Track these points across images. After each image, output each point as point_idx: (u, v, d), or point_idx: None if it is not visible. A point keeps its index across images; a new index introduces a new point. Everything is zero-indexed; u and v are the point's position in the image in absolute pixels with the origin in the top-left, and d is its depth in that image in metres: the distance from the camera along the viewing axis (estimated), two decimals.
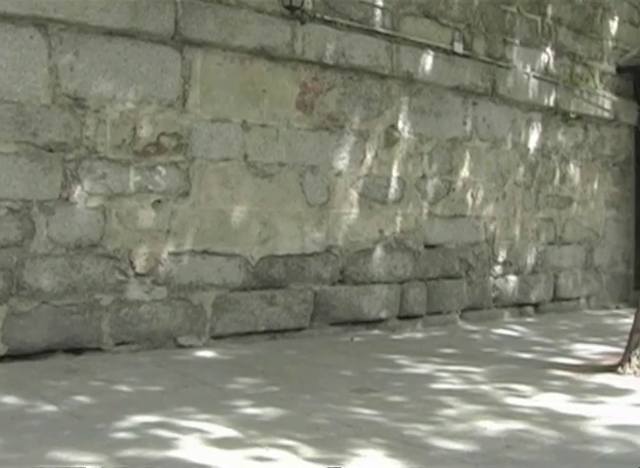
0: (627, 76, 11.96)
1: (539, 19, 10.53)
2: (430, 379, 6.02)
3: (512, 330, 8.98)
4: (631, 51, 12.05)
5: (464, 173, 9.39)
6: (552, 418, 4.89)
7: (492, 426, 4.66)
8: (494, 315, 9.73)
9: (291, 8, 7.51)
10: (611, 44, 11.82)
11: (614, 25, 11.90)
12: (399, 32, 8.60)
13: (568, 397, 5.50)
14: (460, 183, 9.32)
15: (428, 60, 8.86)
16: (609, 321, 10.07)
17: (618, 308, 11.38)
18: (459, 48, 9.22)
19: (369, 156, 8.36)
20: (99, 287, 6.52)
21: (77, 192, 6.38)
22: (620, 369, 6.33)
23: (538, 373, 6.34)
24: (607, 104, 11.57)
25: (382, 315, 8.48)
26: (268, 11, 7.47)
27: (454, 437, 4.42)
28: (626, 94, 11.95)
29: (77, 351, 6.40)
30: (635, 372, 6.23)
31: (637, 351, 6.31)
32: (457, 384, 5.88)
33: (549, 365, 6.75)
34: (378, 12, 8.42)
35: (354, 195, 8.25)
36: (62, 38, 6.28)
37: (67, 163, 6.32)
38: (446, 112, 9.13)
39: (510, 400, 5.39)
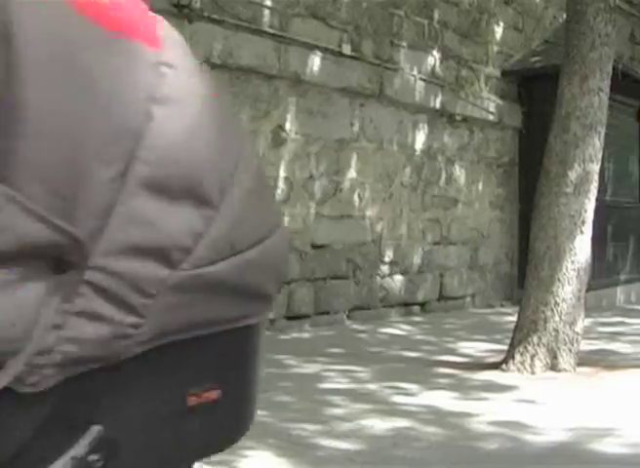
0: (512, 80, 12.26)
1: (426, 22, 10.67)
2: (318, 379, 6.02)
3: (399, 329, 9.07)
4: (515, 55, 12.36)
5: (351, 173, 9.44)
6: (438, 416, 4.94)
7: (379, 424, 4.68)
8: (381, 314, 9.81)
9: (179, 6, 7.41)
10: (496, 48, 12.08)
11: (499, 30, 12.16)
12: (287, 33, 8.59)
13: (453, 394, 5.57)
14: (347, 184, 9.37)
15: (316, 61, 8.87)
16: (494, 319, 10.28)
17: (502, 306, 11.63)
18: (347, 49, 9.26)
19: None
20: None
21: None
22: (504, 366, 6.45)
23: (424, 372, 6.41)
24: (492, 107, 11.82)
25: (270, 315, 8.44)
26: (156, 8, 7.32)
27: (341, 436, 4.42)
28: (511, 97, 12.23)
29: None
30: (519, 369, 6.36)
31: (520, 348, 6.45)
32: (344, 383, 5.89)
33: (435, 363, 6.83)
34: (266, 12, 8.39)
35: None
36: None
37: None
38: (333, 113, 9.15)
39: (397, 398, 5.43)
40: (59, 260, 0.69)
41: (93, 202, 0.70)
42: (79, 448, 0.73)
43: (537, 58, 12.26)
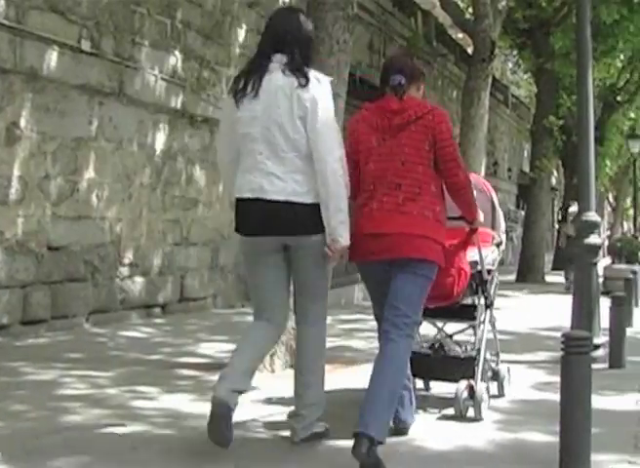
0: None
1: (168, 21, 10.60)
2: (55, 386, 5.83)
3: (140, 331, 8.96)
4: None
5: (90, 173, 9.20)
6: (177, 418, 4.93)
7: (118, 429, 4.60)
8: (121, 317, 9.64)
9: None
10: (238, 51, 12.20)
11: (242, 33, 12.31)
12: (24, 26, 8.22)
13: (192, 396, 5.58)
14: (84, 184, 9.12)
15: (54, 57, 8.58)
16: (235, 319, 10.37)
17: (243, 306, 11.76)
18: (86, 46, 9.02)
19: None
20: None
21: None
22: None
23: (164, 374, 6.37)
24: None
25: (4, 321, 8.06)
26: None
27: (78, 444, 4.30)
28: None
29: None
30: (259, 368, 6.44)
31: None
32: (82, 389, 5.74)
33: (176, 365, 6.81)
34: (1, 3, 7.99)
35: None
36: None
37: None
38: (71, 111, 8.89)
39: (136, 402, 5.36)
40: None
41: None
42: None
43: None
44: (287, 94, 4.10)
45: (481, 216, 4.78)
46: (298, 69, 4.13)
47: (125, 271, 9.84)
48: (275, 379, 6.19)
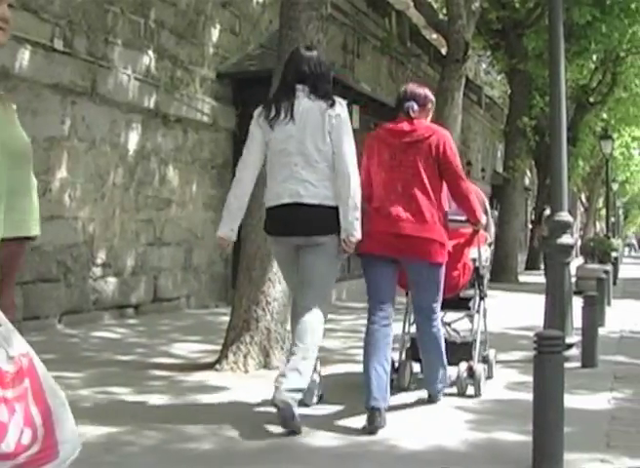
0: (227, 82, 12.41)
1: (142, 21, 10.56)
2: None
3: (113, 332, 8.91)
4: (231, 58, 12.52)
5: (62, 173, 9.14)
6: (151, 419, 4.90)
7: (91, 431, 4.57)
8: (94, 318, 9.59)
9: None
10: (212, 50, 12.18)
11: (215, 33, 12.28)
12: None
13: (166, 397, 5.56)
14: (57, 184, 9.06)
15: (26, 56, 8.51)
16: (208, 319, 10.36)
17: (217, 307, 11.75)
18: (59, 44, 8.96)
19: None
20: None
21: None
22: (217, 366, 6.52)
23: (137, 375, 6.34)
24: (206, 109, 11.92)
25: None
26: None
27: None
28: (226, 99, 12.39)
29: None
30: (232, 368, 6.44)
31: (233, 348, 6.54)
32: None
33: (149, 365, 6.78)
34: None
35: None
36: None
37: None
38: (44, 110, 8.83)
39: (109, 404, 5.34)
40: None
41: None
42: None
43: (252, 62, 12.51)
44: (318, 114, 4.92)
45: (483, 219, 5.58)
46: (324, 95, 4.99)
47: (98, 271, 9.79)
48: (248, 380, 6.18)
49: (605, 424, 5.09)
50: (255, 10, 13.21)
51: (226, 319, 7.10)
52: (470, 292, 6.02)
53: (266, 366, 6.54)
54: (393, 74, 18.96)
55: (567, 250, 7.42)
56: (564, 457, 3.97)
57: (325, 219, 4.87)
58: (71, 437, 2.37)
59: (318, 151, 4.89)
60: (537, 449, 3.99)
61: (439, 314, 5.35)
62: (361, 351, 5.05)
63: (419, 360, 5.64)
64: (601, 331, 8.25)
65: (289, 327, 6.72)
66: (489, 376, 6.24)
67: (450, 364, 5.59)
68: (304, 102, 4.97)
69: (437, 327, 5.29)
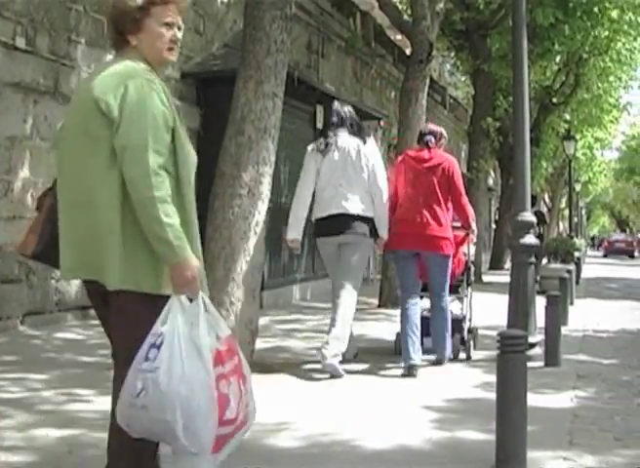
0: (191, 82, 12.32)
1: (105, 19, 10.46)
2: None
3: (76, 333, 8.82)
4: (195, 58, 12.45)
5: (24, 173, 9.04)
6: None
7: (53, 433, 4.53)
8: (57, 319, 9.49)
9: None
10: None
11: (179, 32, 12.18)
12: None
13: None
14: (19, 184, 8.95)
15: None
16: None
17: None
18: (21, 43, 8.85)
19: None
20: None
21: None
22: None
23: (100, 376, 6.26)
24: None
25: None
26: None
27: (12, 448, 4.22)
28: (190, 99, 12.31)
29: None
30: None
31: None
32: (16, 392, 5.64)
33: (112, 367, 6.70)
34: None
35: None
36: None
37: None
38: (5, 109, 8.72)
39: (72, 405, 5.29)
40: None
41: None
42: None
43: (216, 62, 12.44)
44: (355, 148, 6.79)
45: (474, 225, 7.26)
46: (358, 135, 6.90)
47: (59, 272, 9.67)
48: None
49: (567, 423, 5.14)
50: (219, 9, 13.16)
51: None
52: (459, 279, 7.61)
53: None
54: (358, 74, 18.99)
55: (530, 249, 7.47)
56: (527, 456, 4.00)
57: (361, 226, 6.69)
58: (254, 406, 3.12)
59: (357, 175, 6.72)
60: (500, 448, 4.01)
61: (447, 294, 7.07)
62: None
63: (428, 334, 7.16)
64: (564, 330, 8.33)
65: (253, 327, 6.73)
66: (474, 345, 7.74)
67: None
68: (346, 139, 6.83)
69: (446, 303, 7.03)
